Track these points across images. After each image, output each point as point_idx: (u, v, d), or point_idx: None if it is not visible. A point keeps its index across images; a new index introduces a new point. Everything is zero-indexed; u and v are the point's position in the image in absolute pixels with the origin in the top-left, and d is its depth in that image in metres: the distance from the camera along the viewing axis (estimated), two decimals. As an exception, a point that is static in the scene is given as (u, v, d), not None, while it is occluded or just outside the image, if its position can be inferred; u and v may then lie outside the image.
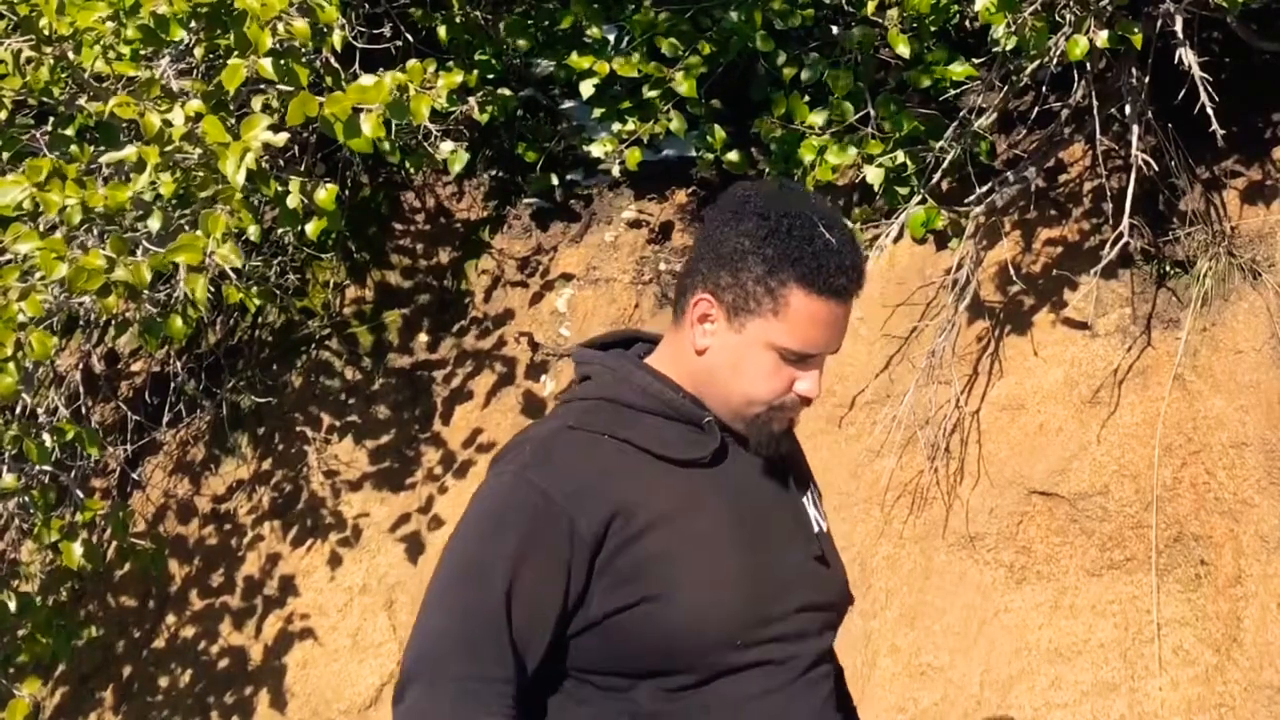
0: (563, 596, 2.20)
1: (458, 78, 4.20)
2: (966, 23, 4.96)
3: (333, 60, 4.49)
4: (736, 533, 2.30)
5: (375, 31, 5.05)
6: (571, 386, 2.47)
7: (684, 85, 4.95)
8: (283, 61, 3.91)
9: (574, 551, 2.20)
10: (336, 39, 4.21)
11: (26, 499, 4.59)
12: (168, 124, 3.72)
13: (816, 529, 2.44)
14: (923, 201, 4.72)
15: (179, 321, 4.20)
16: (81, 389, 5.48)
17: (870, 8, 4.51)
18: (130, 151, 3.76)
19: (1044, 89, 4.70)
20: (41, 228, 3.94)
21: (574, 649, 2.25)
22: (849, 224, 2.37)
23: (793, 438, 2.47)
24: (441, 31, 5.20)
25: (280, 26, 3.85)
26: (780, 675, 2.29)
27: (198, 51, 4.19)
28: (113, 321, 4.36)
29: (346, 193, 5.54)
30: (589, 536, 2.20)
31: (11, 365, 3.73)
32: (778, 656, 2.29)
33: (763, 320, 2.28)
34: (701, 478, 2.30)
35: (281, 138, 3.77)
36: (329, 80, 4.42)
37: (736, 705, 2.25)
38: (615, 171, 5.19)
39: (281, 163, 4.77)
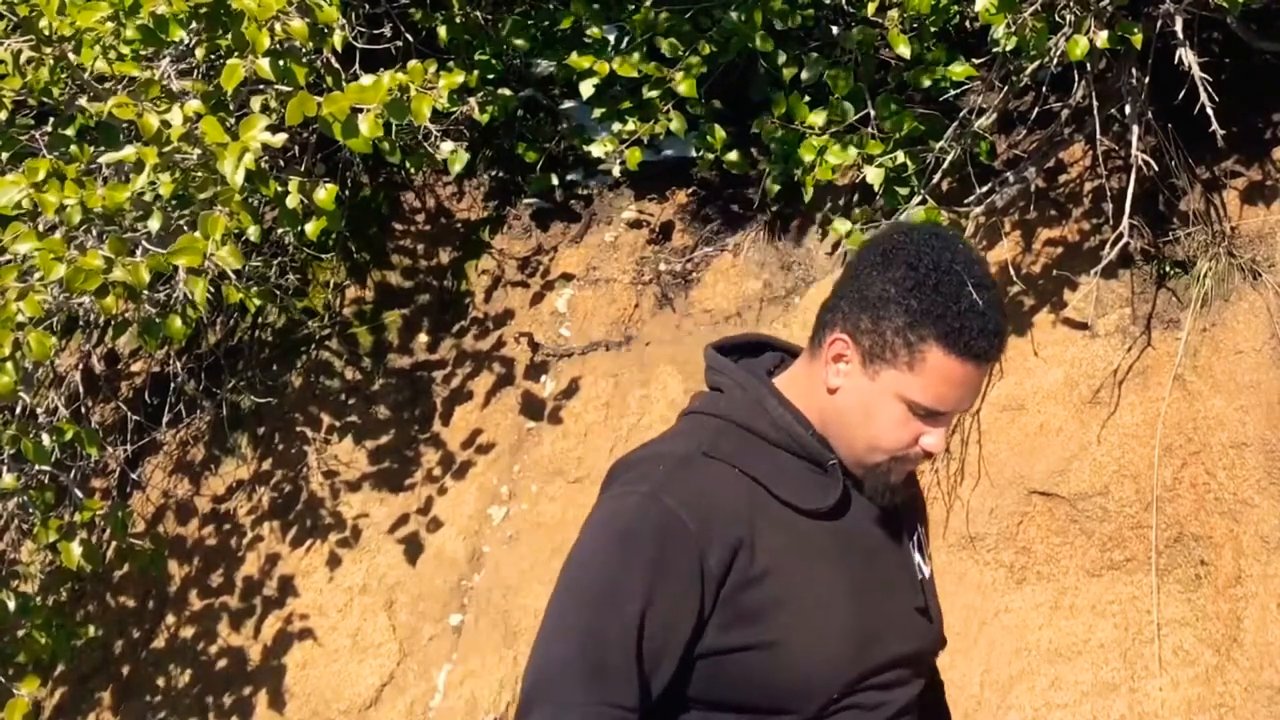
0: (693, 624, 2.17)
1: (458, 78, 4.20)
2: (966, 23, 4.96)
3: (333, 60, 4.49)
4: (848, 583, 2.28)
5: (375, 32, 5.05)
6: (700, 395, 2.42)
7: (684, 85, 4.95)
8: (281, 62, 3.91)
9: (704, 582, 2.16)
10: (336, 39, 4.21)
11: (26, 499, 4.59)
12: (166, 124, 3.72)
13: (920, 576, 2.42)
14: (923, 202, 4.71)
15: (178, 322, 4.20)
16: (81, 389, 5.48)
17: (871, 8, 4.51)
18: (129, 152, 3.76)
19: (1044, 89, 4.70)
20: (40, 228, 3.94)
21: (693, 680, 2.22)
22: (995, 283, 2.31)
23: (913, 483, 2.47)
24: (441, 32, 5.20)
25: (278, 27, 3.85)
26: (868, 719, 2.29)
27: (199, 52, 4.19)
28: (112, 322, 4.36)
29: (346, 193, 5.54)
30: (717, 570, 2.17)
31: (10, 365, 3.73)
32: (868, 703, 2.28)
33: (898, 372, 2.24)
34: (820, 524, 2.28)
35: (280, 138, 3.77)
36: (329, 80, 4.42)
37: None
38: (615, 171, 5.19)
39: (281, 163, 4.77)
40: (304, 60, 4.05)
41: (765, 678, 2.21)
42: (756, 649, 2.20)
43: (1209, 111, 4.19)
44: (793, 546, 2.24)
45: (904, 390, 2.24)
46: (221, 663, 5.20)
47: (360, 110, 3.79)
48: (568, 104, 5.64)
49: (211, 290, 4.08)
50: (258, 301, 4.51)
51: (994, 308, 2.26)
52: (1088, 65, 4.40)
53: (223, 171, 3.66)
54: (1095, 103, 4.46)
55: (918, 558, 2.43)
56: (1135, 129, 4.40)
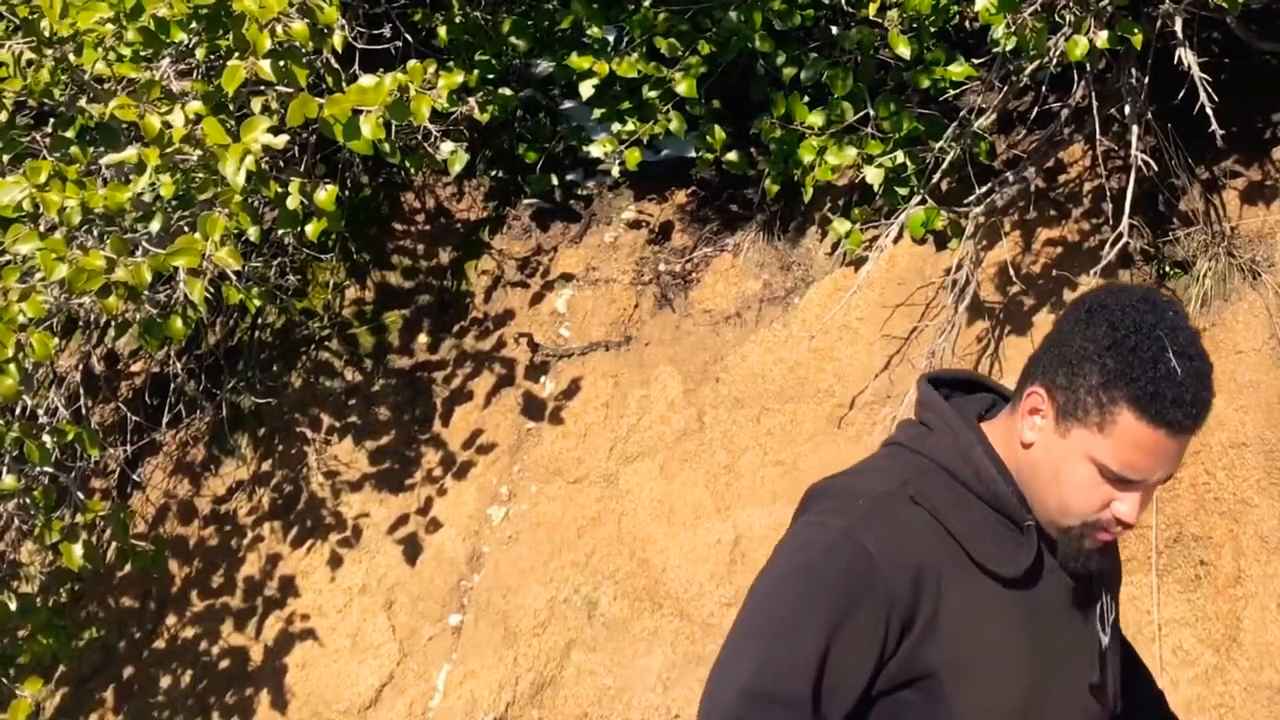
0: (874, 668, 2.16)
1: (458, 78, 4.20)
2: (966, 23, 4.96)
3: (333, 61, 4.49)
4: (1026, 654, 2.25)
5: (375, 32, 5.05)
6: (907, 425, 2.39)
7: (683, 85, 4.95)
8: (282, 63, 3.91)
9: (888, 632, 2.15)
10: (337, 40, 4.21)
11: (27, 500, 4.59)
12: (168, 126, 3.72)
13: (1101, 647, 2.38)
14: (922, 202, 4.72)
15: (179, 322, 4.20)
16: (81, 389, 5.48)
17: (871, 9, 4.52)
18: (131, 153, 3.76)
19: (1044, 89, 4.71)
20: (41, 229, 3.94)
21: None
22: (1206, 356, 2.27)
23: (1113, 554, 2.43)
24: (441, 32, 5.20)
25: (279, 28, 3.85)
26: None
27: (198, 53, 4.19)
28: (112, 322, 4.36)
29: (346, 193, 5.54)
30: (902, 616, 2.15)
31: (12, 367, 3.73)
32: None
33: (1088, 432, 2.20)
34: (1010, 590, 2.25)
35: (282, 140, 3.77)
36: (329, 81, 4.42)
37: None
38: (615, 172, 5.19)
39: (281, 163, 4.77)
40: (304, 61, 4.05)
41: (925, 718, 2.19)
42: (921, 700, 2.18)
43: (1209, 111, 4.19)
44: (979, 607, 2.21)
45: (1093, 452, 2.19)
46: (222, 663, 5.20)
47: (362, 112, 3.79)
48: (567, 104, 5.65)
49: (211, 291, 4.08)
50: (258, 302, 4.51)
51: (1196, 379, 2.19)
52: (1087, 65, 4.40)
53: (224, 173, 3.66)
54: (1095, 103, 4.47)
55: (1100, 629, 2.39)
56: (1135, 129, 4.40)
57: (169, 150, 3.72)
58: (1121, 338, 2.19)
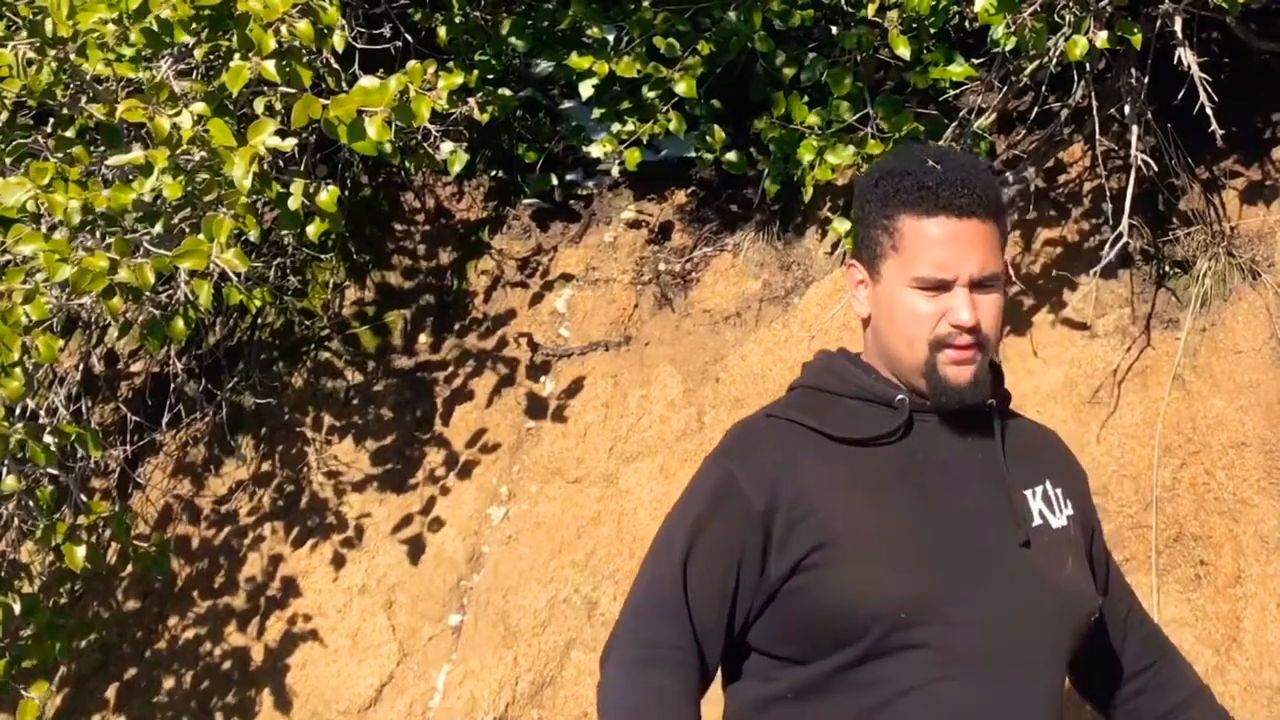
0: (735, 566, 2.29)
1: (458, 78, 4.21)
2: (966, 23, 4.96)
3: (333, 61, 4.49)
4: (914, 507, 2.31)
5: (375, 32, 5.05)
6: None
7: (683, 85, 4.95)
8: (285, 63, 3.91)
9: (747, 525, 2.28)
10: (337, 40, 4.21)
11: (29, 501, 4.58)
12: (177, 127, 3.72)
13: (1039, 523, 2.39)
14: (923, 202, 4.72)
15: (180, 323, 4.20)
16: (81, 390, 5.48)
17: (870, 9, 4.52)
18: (138, 154, 3.76)
19: (1043, 89, 4.71)
20: (44, 229, 3.94)
21: (757, 626, 2.33)
22: (969, 155, 2.46)
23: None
24: (441, 32, 5.20)
25: (283, 28, 3.85)
26: (959, 666, 2.25)
27: (198, 53, 4.19)
28: (114, 322, 4.36)
29: (347, 193, 5.54)
30: (762, 511, 2.28)
31: (18, 370, 3.73)
32: (958, 644, 2.25)
33: (891, 259, 2.33)
34: (885, 454, 2.33)
35: (289, 143, 3.78)
36: (330, 82, 4.42)
37: (905, 688, 2.24)
38: (615, 172, 5.19)
39: (282, 164, 4.77)
40: (305, 61, 4.05)
41: (826, 596, 2.26)
42: (815, 568, 2.26)
43: (1208, 111, 4.19)
44: (853, 477, 2.31)
45: (902, 272, 2.31)
46: (223, 663, 5.20)
47: (366, 113, 3.79)
48: (567, 104, 5.65)
49: (212, 292, 4.08)
50: (259, 302, 4.51)
51: (959, 166, 2.33)
52: (1087, 65, 4.41)
53: (231, 175, 3.66)
54: (1095, 103, 4.47)
55: (1039, 505, 2.41)
56: (1135, 129, 4.41)
57: (177, 152, 3.72)
58: (883, 171, 2.38)
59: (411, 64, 4.01)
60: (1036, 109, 4.76)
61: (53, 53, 3.87)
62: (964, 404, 2.34)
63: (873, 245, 2.35)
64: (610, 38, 5.16)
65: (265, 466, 5.50)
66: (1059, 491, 2.46)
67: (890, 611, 2.23)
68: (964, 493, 2.35)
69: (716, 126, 5.12)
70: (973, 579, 2.29)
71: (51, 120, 4.50)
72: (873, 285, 2.36)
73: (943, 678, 2.24)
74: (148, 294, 3.99)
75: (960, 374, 2.33)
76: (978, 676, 2.26)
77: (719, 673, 2.42)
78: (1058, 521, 2.42)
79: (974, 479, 2.36)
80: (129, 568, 4.88)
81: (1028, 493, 2.41)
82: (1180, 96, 4.32)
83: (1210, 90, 4.20)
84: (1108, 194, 4.56)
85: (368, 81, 3.82)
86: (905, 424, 2.35)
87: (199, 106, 3.84)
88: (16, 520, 4.87)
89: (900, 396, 2.35)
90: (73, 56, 3.91)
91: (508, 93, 5.26)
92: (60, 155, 3.96)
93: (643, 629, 2.34)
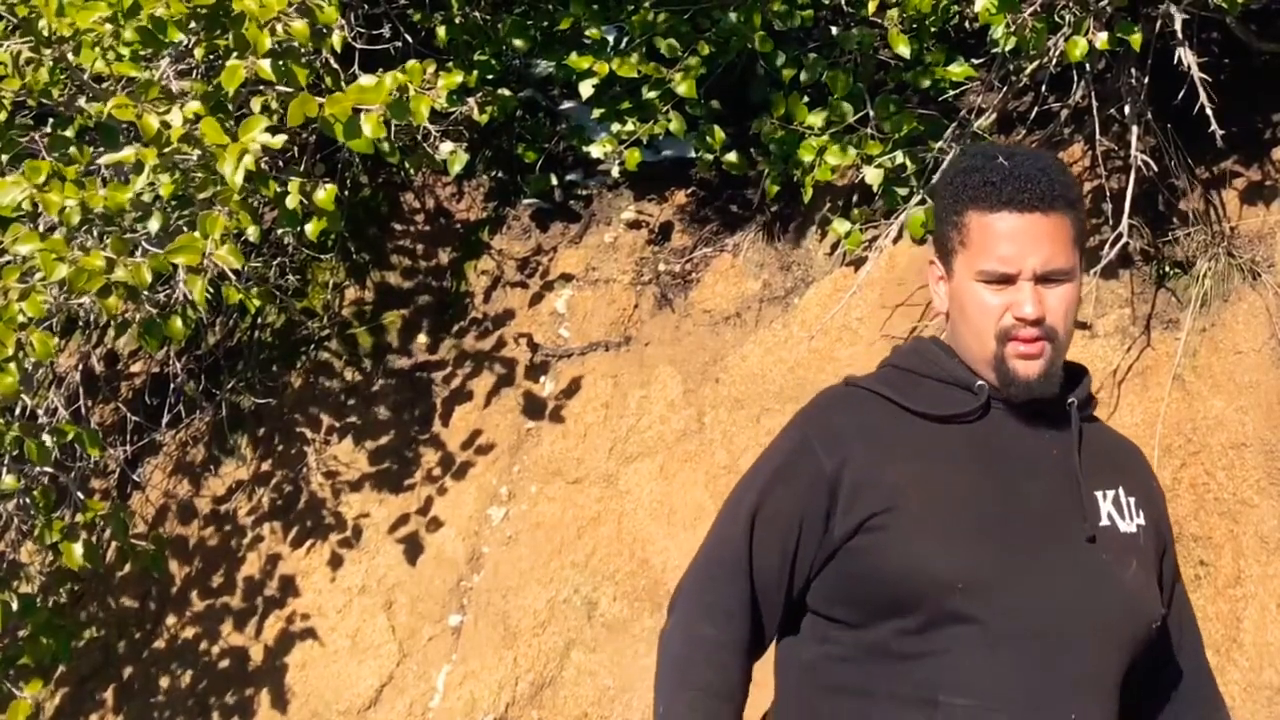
0: (798, 526, 2.34)
1: (457, 78, 4.21)
2: (966, 23, 4.96)
3: (332, 61, 4.49)
4: (981, 486, 2.34)
5: (375, 32, 5.05)
6: None
7: (683, 86, 4.95)
8: (281, 63, 3.91)
9: (815, 486, 2.33)
10: (336, 40, 4.21)
11: (27, 500, 4.59)
12: (166, 125, 3.72)
13: (1106, 524, 2.39)
14: (922, 202, 4.72)
15: (179, 322, 4.20)
16: (81, 390, 5.48)
17: (871, 8, 4.51)
18: (129, 153, 3.76)
19: (1043, 89, 4.71)
20: (41, 228, 3.94)
21: (816, 585, 2.37)
22: (1040, 153, 2.50)
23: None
24: (441, 32, 5.20)
25: (279, 28, 3.85)
26: (1011, 643, 2.26)
27: (197, 52, 4.19)
28: (112, 322, 4.37)
29: (346, 193, 5.54)
30: (831, 473, 2.32)
31: (12, 366, 3.73)
32: (1012, 622, 2.26)
33: (960, 255, 2.38)
34: (959, 434, 2.37)
35: (280, 140, 3.77)
36: (328, 81, 4.42)
37: (956, 660, 2.25)
38: (615, 172, 5.20)
39: (281, 163, 4.77)
40: (303, 61, 4.05)
41: (877, 564, 2.29)
42: (875, 530, 2.29)
43: (1208, 111, 4.19)
44: (925, 449, 2.35)
45: (970, 267, 2.36)
46: (221, 663, 5.20)
47: (362, 111, 3.79)
48: (567, 104, 5.65)
49: (211, 290, 4.08)
50: (257, 302, 4.51)
51: (1028, 161, 2.37)
52: (1087, 66, 4.41)
53: (223, 172, 3.67)
54: (1095, 103, 4.47)
55: (1107, 508, 2.42)
56: (1135, 129, 4.40)
57: (167, 150, 3.72)
58: (956, 170, 2.43)
59: (411, 64, 4.01)
60: (1036, 109, 4.76)
61: (48, 52, 3.87)
62: (1032, 396, 2.37)
63: (945, 242, 2.41)
64: (610, 38, 5.16)
65: (264, 466, 5.50)
66: (1132, 500, 2.46)
67: (947, 581, 2.25)
68: (1033, 482, 2.37)
69: (716, 127, 5.12)
70: (1033, 561, 2.30)
71: (50, 120, 4.50)
72: (948, 281, 2.42)
73: (995, 654, 2.25)
74: (146, 293, 3.99)
75: (1028, 367, 2.36)
76: (1030, 657, 2.26)
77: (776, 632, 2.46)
78: (1126, 527, 2.42)
79: (1045, 471, 2.38)
80: (127, 567, 4.88)
81: (1099, 494, 2.41)
82: (1180, 96, 4.32)
83: (1210, 90, 4.19)
84: (1108, 194, 4.56)
85: (363, 80, 3.82)
86: (982, 408, 2.38)
87: (193, 105, 3.84)
88: (16, 520, 4.88)
89: (980, 383, 2.39)
90: (70, 55, 3.91)
91: (508, 93, 5.26)
92: (56, 154, 3.96)
93: (705, 588, 2.38)
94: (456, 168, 5.00)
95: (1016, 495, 2.34)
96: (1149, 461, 2.65)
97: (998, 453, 2.37)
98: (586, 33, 5.13)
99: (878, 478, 2.31)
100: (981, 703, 2.23)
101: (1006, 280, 2.33)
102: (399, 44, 5.13)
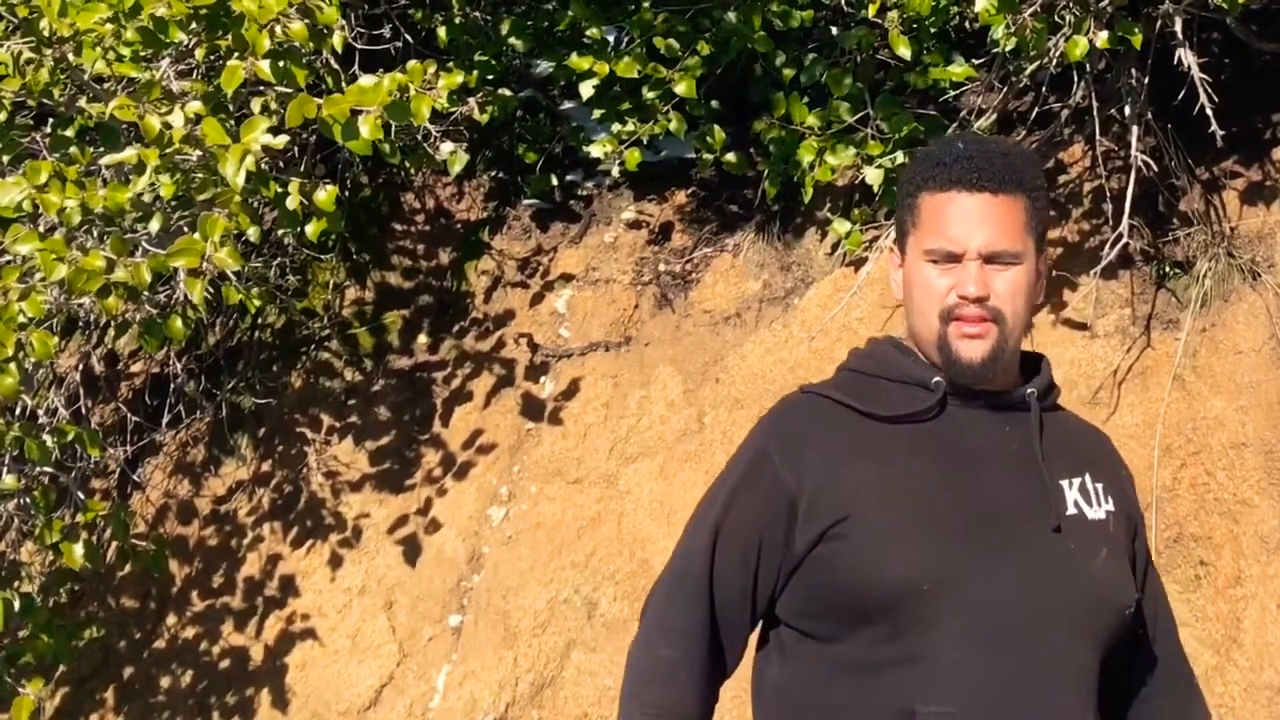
0: (759, 538, 2.34)
1: (458, 78, 4.21)
2: (966, 23, 4.96)
3: (333, 61, 4.49)
4: (942, 485, 2.32)
5: (375, 32, 5.05)
6: None
7: (683, 86, 4.95)
8: (281, 63, 3.91)
9: (775, 496, 2.32)
10: (336, 40, 4.21)
11: (27, 500, 4.59)
12: (167, 126, 3.72)
13: (1073, 512, 2.38)
14: (922, 202, 4.71)
15: (179, 323, 4.20)
16: (81, 390, 5.48)
17: (871, 9, 4.51)
18: (130, 153, 3.76)
19: (1043, 90, 4.70)
20: (41, 229, 3.94)
21: (785, 598, 2.36)
22: (998, 140, 2.50)
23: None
24: (441, 32, 5.20)
25: (278, 28, 3.85)
26: (984, 641, 2.24)
27: (198, 53, 4.19)
28: (112, 322, 4.37)
29: (346, 194, 5.54)
30: (790, 482, 2.31)
31: (13, 366, 3.73)
32: (983, 619, 2.25)
33: (912, 236, 2.38)
34: (917, 433, 2.35)
35: (281, 140, 3.78)
36: (329, 81, 4.42)
37: (931, 662, 2.23)
38: (615, 172, 5.20)
39: (281, 164, 4.77)
40: (303, 61, 4.05)
41: (840, 572, 2.27)
42: (836, 539, 2.28)
43: (1208, 112, 4.19)
44: (880, 451, 2.33)
45: (920, 247, 2.35)
46: (222, 663, 5.20)
47: (360, 112, 3.79)
48: (567, 104, 5.65)
49: (211, 291, 4.09)
50: (258, 302, 4.52)
51: (979, 144, 2.37)
52: (1087, 66, 4.41)
53: (224, 173, 3.67)
54: (1095, 103, 4.47)
55: (1074, 496, 2.40)
56: (1135, 129, 4.40)
57: (169, 151, 3.72)
58: (917, 158, 2.43)
59: (411, 64, 4.01)
60: (1036, 109, 4.76)
61: (49, 52, 3.87)
62: (979, 381, 2.35)
63: (901, 226, 2.41)
64: (610, 38, 5.16)
65: (264, 466, 5.50)
66: (1099, 486, 2.44)
67: (913, 582, 2.23)
68: (994, 476, 2.35)
69: (716, 127, 5.12)
70: (998, 556, 2.29)
71: (51, 120, 4.50)
72: (902, 266, 2.41)
73: (967, 655, 2.23)
74: (146, 293, 3.99)
75: (970, 348, 2.33)
76: (1003, 653, 2.25)
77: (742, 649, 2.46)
78: (1094, 514, 2.41)
79: (1006, 464, 2.36)
80: (128, 567, 4.88)
81: (1064, 483, 2.40)
82: (1180, 97, 4.32)
83: (1210, 90, 4.20)
84: (1108, 194, 4.56)
85: (363, 81, 3.82)
86: (939, 405, 2.36)
87: (195, 105, 3.84)
88: (16, 520, 4.88)
89: (936, 379, 2.36)
90: (70, 56, 3.92)
91: (508, 93, 5.26)
92: (57, 155, 3.96)
93: (669, 607, 2.40)
94: (457, 168, 5.00)
95: (978, 491, 2.32)
96: (1116, 448, 2.63)
97: (957, 449, 2.34)
98: (586, 33, 5.13)
99: (836, 485, 2.30)
100: (959, 708, 2.22)
101: (953, 259, 2.32)
102: (399, 44, 5.13)
